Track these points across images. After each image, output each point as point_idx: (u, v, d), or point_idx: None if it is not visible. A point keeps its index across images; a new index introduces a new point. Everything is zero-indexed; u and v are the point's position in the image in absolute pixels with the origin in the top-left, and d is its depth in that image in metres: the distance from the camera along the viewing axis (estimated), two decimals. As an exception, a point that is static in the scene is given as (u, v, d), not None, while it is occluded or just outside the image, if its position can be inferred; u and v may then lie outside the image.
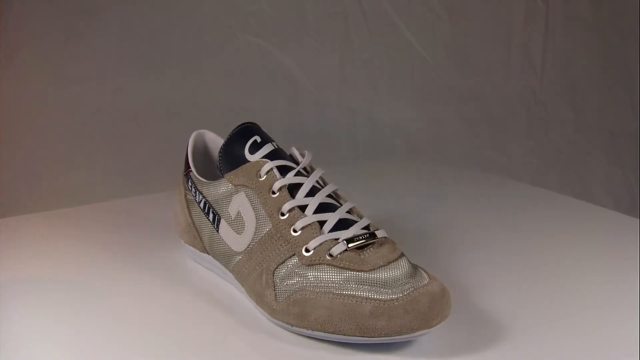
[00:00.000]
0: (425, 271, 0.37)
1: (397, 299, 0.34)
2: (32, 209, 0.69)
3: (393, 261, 0.36)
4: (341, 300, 0.35)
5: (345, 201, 0.41)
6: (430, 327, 0.34)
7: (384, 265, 0.36)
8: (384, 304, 0.34)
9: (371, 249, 0.37)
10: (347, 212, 0.40)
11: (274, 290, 0.38)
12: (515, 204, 0.68)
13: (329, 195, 0.41)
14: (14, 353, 0.35)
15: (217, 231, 0.43)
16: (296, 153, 0.44)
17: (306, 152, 0.44)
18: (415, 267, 0.37)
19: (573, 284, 0.46)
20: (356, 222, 0.39)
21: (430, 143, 0.96)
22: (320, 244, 0.37)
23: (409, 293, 0.34)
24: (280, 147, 0.44)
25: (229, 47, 0.93)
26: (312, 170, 0.43)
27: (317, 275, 0.36)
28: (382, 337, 0.34)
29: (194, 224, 0.46)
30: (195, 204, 0.46)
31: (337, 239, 0.37)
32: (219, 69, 0.94)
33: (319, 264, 0.37)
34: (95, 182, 0.90)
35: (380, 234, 0.38)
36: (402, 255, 0.37)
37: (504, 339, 0.37)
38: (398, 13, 0.92)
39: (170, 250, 0.51)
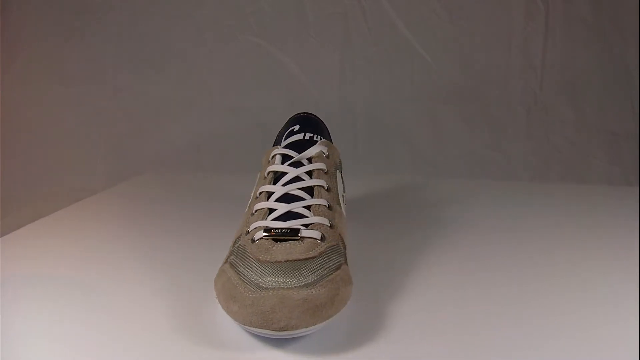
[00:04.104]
0: (332, 279, 0.36)
1: (254, 292, 0.34)
2: (32, 209, 0.69)
3: (294, 260, 0.36)
4: (231, 280, 0.37)
5: (319, 197, 0.42)
6: (273, 330, 0.33)
7: (280, 261, 0.36)
8: (244, 293, 0.35)
9: (289, 244, 0.38)
10: (306, 207, 0.41)
11: (226, 259, 0.40)
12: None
13: (306, 189, 0.42)
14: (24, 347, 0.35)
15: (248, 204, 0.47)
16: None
17: (314, 146, 0.46)
18: (320, 273, 0.36)
19: (568, 282, 0.45)
20: (304, 217, 0.40)
21: (430, 143, 0.96)
22: (255, 228, 0.40)
23: (267, 290, 0.34)
24: (323, 140, 0.47)
25: (229, 47, 0.93)
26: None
27: (239, 254, 0.39)
28: (236, 321, 0.35)
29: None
30: None
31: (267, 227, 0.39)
32: (219, 69, 0.94)
33: (244, 245, 0.39)
34: (95, 181, 0.91)
35: (305, 233, 0.38)
36: (315, 257, 0.37)
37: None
38: (398, 13, 0.92)
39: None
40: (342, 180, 0.52)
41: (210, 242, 0.51)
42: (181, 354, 0.35)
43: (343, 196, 0.48)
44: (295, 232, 0.38)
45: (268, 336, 0.34)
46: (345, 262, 0.40)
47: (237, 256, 0.39)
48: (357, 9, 0.92)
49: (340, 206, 0.44)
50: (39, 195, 0.87)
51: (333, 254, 0.39)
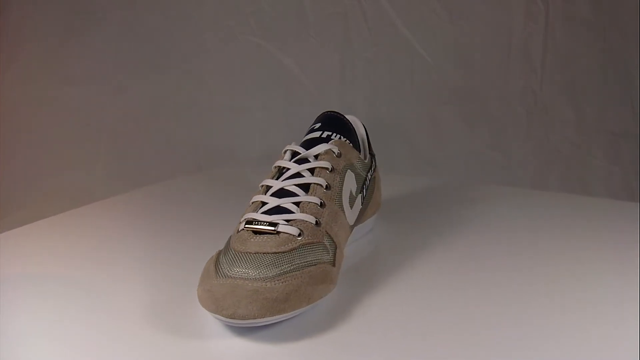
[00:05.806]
0: (296, 276, 0.36)
1: (217, 279, 0.36)
2: (32, 209, 0.69)
3: (264, 252, 0.37)
4: (209, 267, 0.38)
5: (313, 195, 0.42)
6: (223, 315, 0.34)
7: (250, 252, 0.37)
8: (210, 279, 0.36)
9: (266, 237, 0.39)
10: (295, 203, 0.41)
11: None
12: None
13: (302, 185, 0.43)
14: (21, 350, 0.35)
15: None
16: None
17: (323, 143, 0.46)
18: (286, 267, 0.36)
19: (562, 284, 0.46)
20: (290, 212, 0.41)
21: (430, 143, 0.96)
22: (244, 219, 0.41)
23: (227, 278, 0.36)
24: (343, 139, 0.47)
25: (229, 47, 0.93)
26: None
27: (227, 243, 0.40)
28: (201, 303, 0.37)
29: None
30: None
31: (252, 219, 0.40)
32: (219, 69, 0.94)
33: (232, 235, 0.40)
34: (95, 181, 0.91)
35: (283, 228, 0.39)
36: (285, 252, 0.37)
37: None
38: (398, 13, 0.92)
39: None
40: (368, 180, 0.51)
41: (215, 241, 0.51)
42: (181, 353, 0.35)
43: (354, 196, 0.47)
44: (274, 226, 0.39)
45: (226, 323, 0.36)
46: (331, 262, 0.40)
47: (226, 245, 0.40)
48: (357, 9, 0.92)
49: (341, 206, 0.44)
50: (39, 195, 0.87)
51: (311, 251, 0.39)
